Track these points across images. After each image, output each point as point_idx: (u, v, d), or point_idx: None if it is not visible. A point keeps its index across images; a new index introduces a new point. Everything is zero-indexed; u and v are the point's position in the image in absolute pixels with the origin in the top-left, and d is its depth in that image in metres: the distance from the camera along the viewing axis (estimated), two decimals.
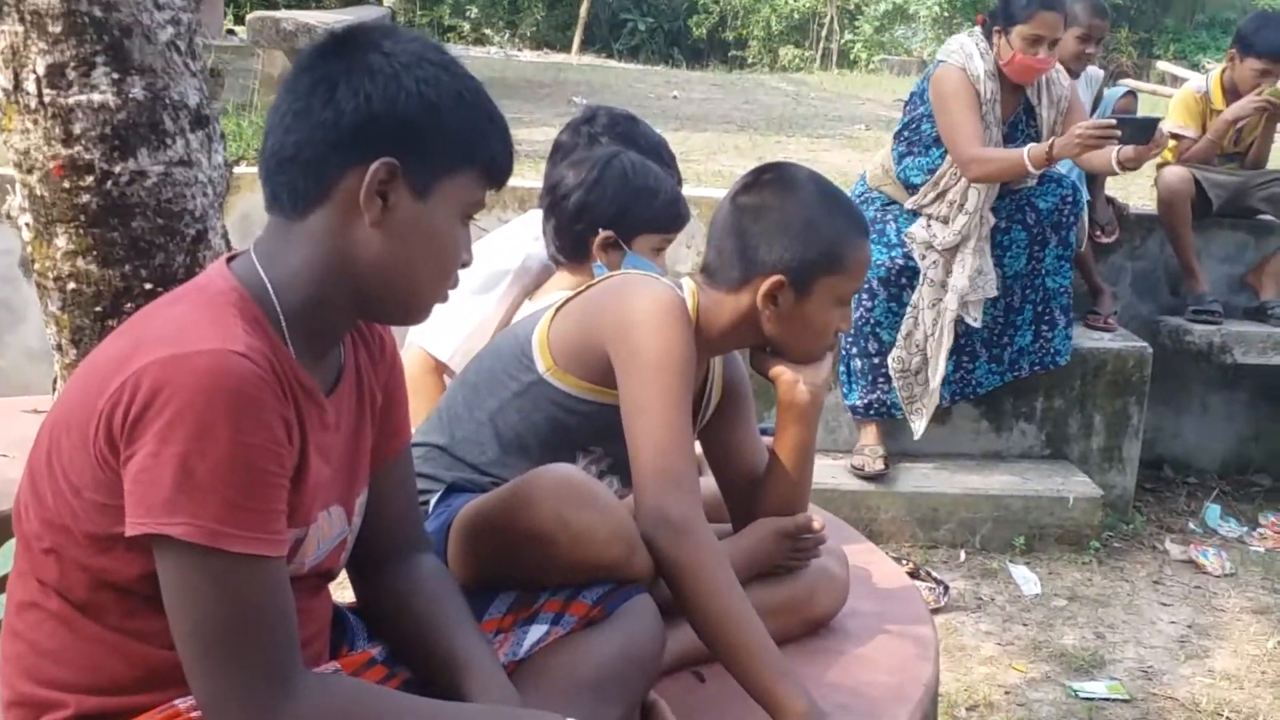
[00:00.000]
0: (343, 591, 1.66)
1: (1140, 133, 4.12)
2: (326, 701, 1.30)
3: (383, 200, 1.34)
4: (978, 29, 4.40)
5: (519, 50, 17.90)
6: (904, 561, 4.07)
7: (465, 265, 1.43)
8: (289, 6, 14.01)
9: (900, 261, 4.37)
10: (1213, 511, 4.87)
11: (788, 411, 1.98)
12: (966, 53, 4.32)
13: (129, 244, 1.92)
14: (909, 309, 4.39)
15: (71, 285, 1.90)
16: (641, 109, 8.77)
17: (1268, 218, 5.13)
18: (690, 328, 1.86)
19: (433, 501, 1.87)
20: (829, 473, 4.41)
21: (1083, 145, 4.06)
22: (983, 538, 4.36)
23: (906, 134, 4.47)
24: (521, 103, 8.19)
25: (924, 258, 4.36)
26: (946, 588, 4.00)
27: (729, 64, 19.02)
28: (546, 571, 1.65)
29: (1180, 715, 3.43)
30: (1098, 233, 4.99)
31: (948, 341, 4.39)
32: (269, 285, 1.35)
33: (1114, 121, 4.10)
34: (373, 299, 1.40)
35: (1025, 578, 4.19)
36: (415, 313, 1.43)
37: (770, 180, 1.93)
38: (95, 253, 1.90)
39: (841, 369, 4.49)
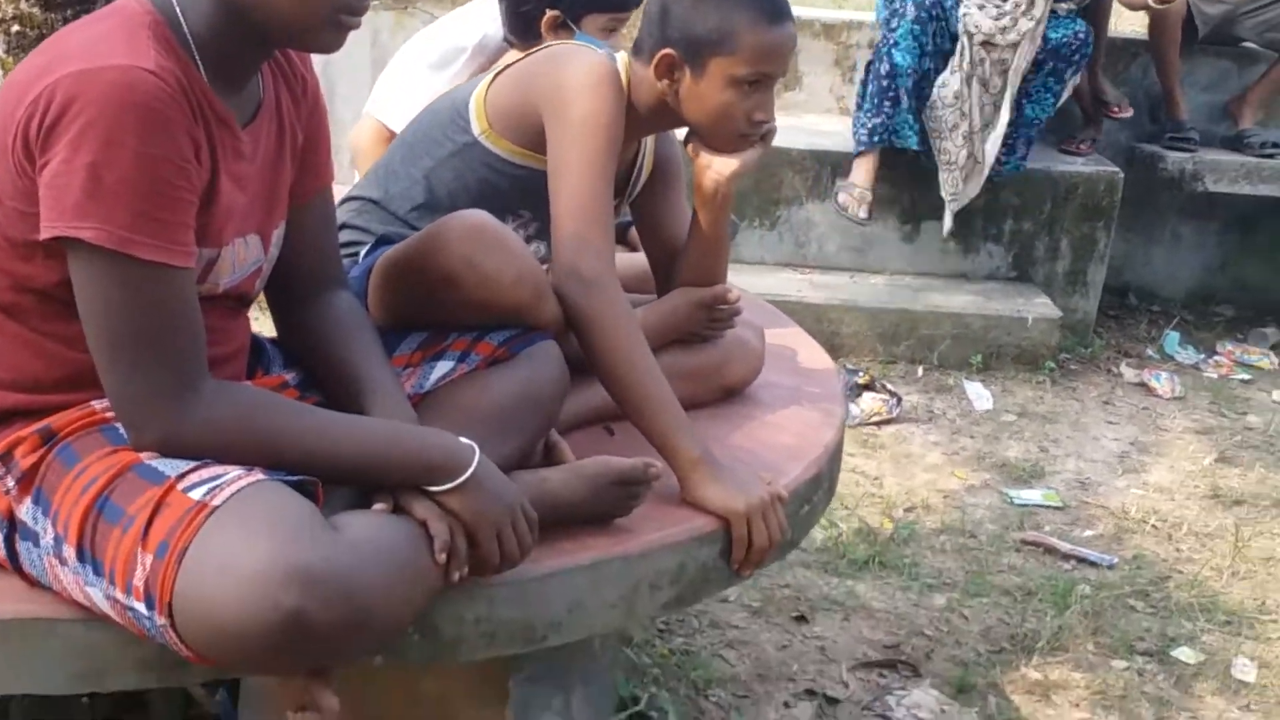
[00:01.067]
0: (267, 328, 1.77)
1: None
2: (231, 406, 1.41)
3: None
4: None
5: None
6: (861, 373, 4.20)
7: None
8: None
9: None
10: (1172, 338, 4.97)
11: (699, 194, 2.04)
12: None
13: None
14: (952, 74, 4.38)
15: (15, 28, 1.97)
16: None
17: (1253, 46, 5.13)
18: (621, 96, 1.91)
19: (362, 252, 1.95)
20: (794, 286, 4.53)
21: None
22: (941, 354, 4.47)
23: None
24: None
25: (971, 36, 4.36)
26: (899, 399, 4.12)
27: None
28: (455, 312, 1.74)
29: (1109, 522, 3.58)
30: (1114, 109, 5.00)
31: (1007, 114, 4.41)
32: (179, 10, 1.42)
33: None
34: (270, 26, 1.44)
35: (978, 394, 4.31)
36: (311, 37, 1.45)
37: None
38: None
39: (857, 96, 4.55)
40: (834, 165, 4.66)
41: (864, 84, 4.54)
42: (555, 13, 2.54)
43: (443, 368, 1.72)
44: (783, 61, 1.93)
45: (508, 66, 2.02)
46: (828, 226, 4.71)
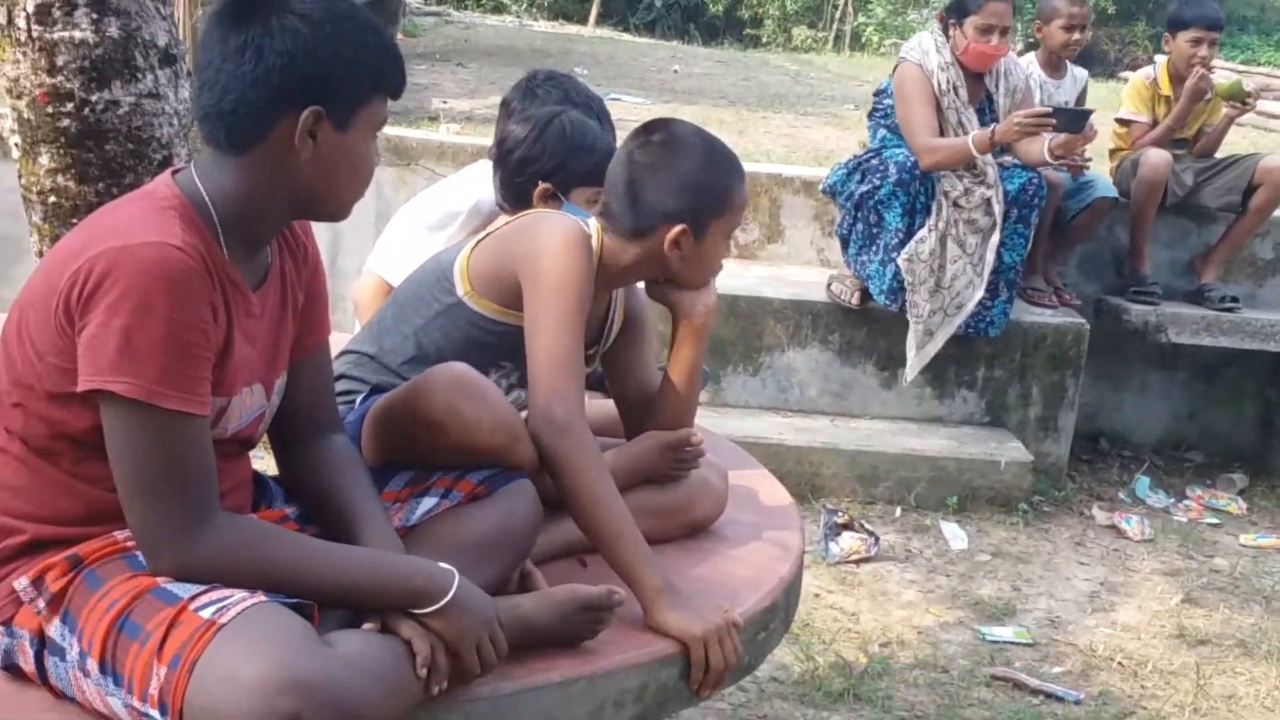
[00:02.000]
0: (268, 469, 1.95)
1: (1073, 122, 4.41)
2: (239, 534, 1.59)
3: (313, 139, 1.63)
4: (937, 24, 4.72)
5: (534, 20, 18.07)
6: (841, 513, 4.28)
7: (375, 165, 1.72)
8: None
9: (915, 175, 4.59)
10: (1142, 483, 5.09)
11: (685, 328, 2.23)
12: (923, 49, 4.68)
13: (103, 164, 2.20)
14: (929, 227, 4.61)
15: (52, 199, 2.19)
16: (640, 81, 9.02)
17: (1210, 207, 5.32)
18: (590, 258, 2.10)
19: (358, 400, 2.13)
20: (776, 429, 4.67)
21: (1021, 131, 4.40)
22: (918, 496, 4.58)
23: (884, 121, 4.80)
24: (524, 69, 8.41)
25: (947, 195, 4.62)
26: (877, 539, 4.22)
27: (743, 42, 19.17)
28: (439, 454, 1.90)
29: (1077, 659, 3.65)
30: (1065, 295, 5.19)
31: (991, 259, 4.63)
32: (207, 198, 1.64)
33: (1049, 110, 4.38)
34: (305, 210, 1.70)
35: (954, 534, 4.40)
36: (340, 214, 1.72)
37: (659, 140, 2.16)
38: (73, 171, 2.18)
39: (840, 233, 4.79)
40: (814, 315, 4.84)
41: (851, 221, 4.75)
42: (547, 185, 2.72)
43: (428, 503, 1.88)
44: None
45: (489, 234, 2.21)
46: (809, 372, 4.87)
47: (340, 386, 2.11)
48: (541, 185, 2.72)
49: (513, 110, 2.97)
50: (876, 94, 4.93)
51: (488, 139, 4.85)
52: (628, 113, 7.12)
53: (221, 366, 1.63)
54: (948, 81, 4.63)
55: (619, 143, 2.30)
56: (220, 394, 1.65)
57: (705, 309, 2.22)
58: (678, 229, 2.11)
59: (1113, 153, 5.35)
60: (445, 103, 7.14)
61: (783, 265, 5.40)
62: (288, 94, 1.59)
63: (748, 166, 5.55)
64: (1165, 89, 5.30)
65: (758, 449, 4.41)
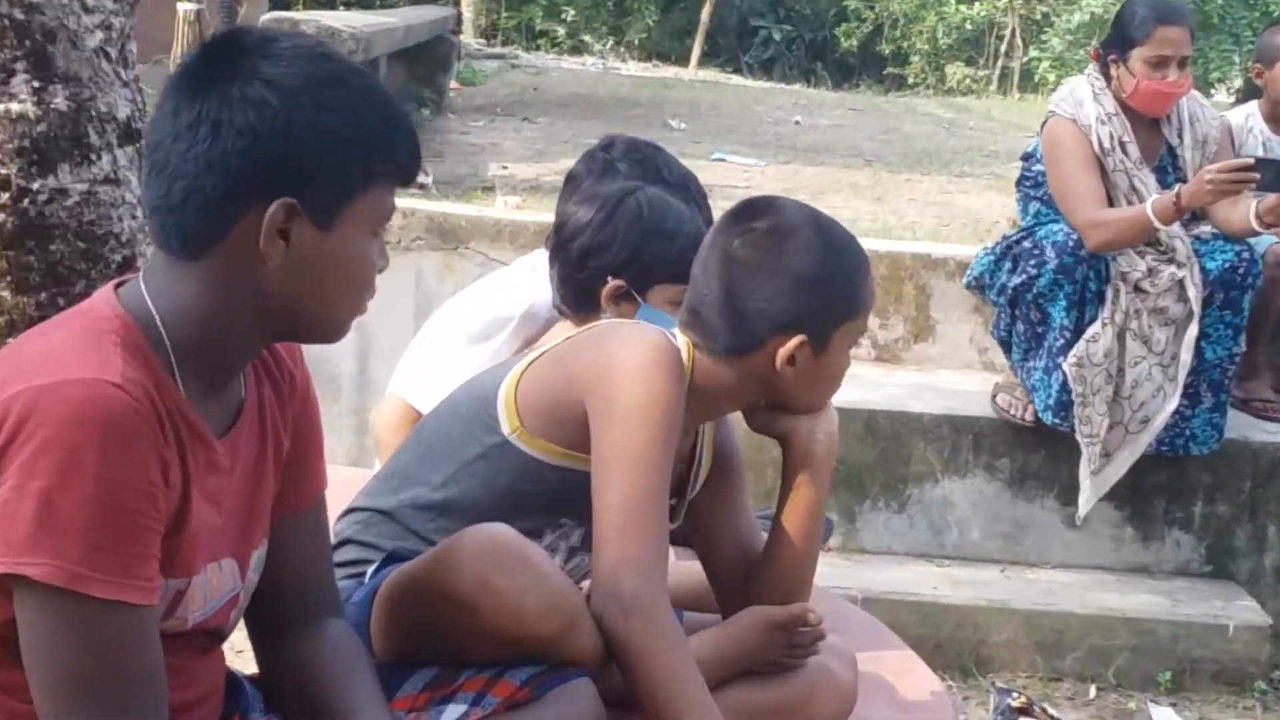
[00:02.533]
0: (248, 660, 1.87)
1: None
2: None
3: (284, 240, 1.56)
4: (1092, 66, 4.64)
5: (623, 61, 18.36)
6: (1016, 695, 4.14)
7: (381, 271, 1.65)
8: (347, 5, 14.63)
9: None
10: None
11: (803, 465, 2.18)
12: (1076, 99, 4.60)
13: (46, 269, 2.16)
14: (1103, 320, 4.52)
15: None
16: (752, 136, 9.06)
17: None
18: (683, 379, 2.05)
19: (369, 572, 2.05)
20: (929, 581, 4.56)
21: (1215, 190, 4.23)
22: (1119, 670, 4.42)
23: (1035, 193, 4.75)
24: (605, 124, 8.50)
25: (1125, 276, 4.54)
26: None
27: (884, 83, 19.28)
28: (470, 645, 1.82)
29: None
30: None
31: (1188, 358, 4.53)
32: (157, 317, 1.57)
33: (1251, 160, 4.26)
34: (281, 330, 1.64)
35: None
36: (331, 336, 1.66)
37: (764, 230, 2.12)
38: (9, 278, 2.14)
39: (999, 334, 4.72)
40: (977, 434, 4.75)
41: (1009, 320, 4.68)
42: (619, 282, 2.68)
43: (453, 713, 1.80)
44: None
45: (544, 351, 2.16)
46: (970, 508, 4.76)
47: (344, 555, 2.07)
48: (611, 282, 2.69)
49: (579, 185, 2.95)
50: (1024, 158, 4.88)
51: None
52: (735, 176, 7.15)
53: (176, 538, 1.55)
54: (1112, 136, 4.53)
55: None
56: (176, 574, 1.57)
57: (828, 439, 2.19)
58: (795, 341, 2.09)
59: None
60: (505, 168, 7.21)
61: (935, 370, 5.32)
62: (250, 182, 1.53)
63: (888, 244, 5.56)
64: None
65: (904, 608, 4.39)
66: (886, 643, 2.64)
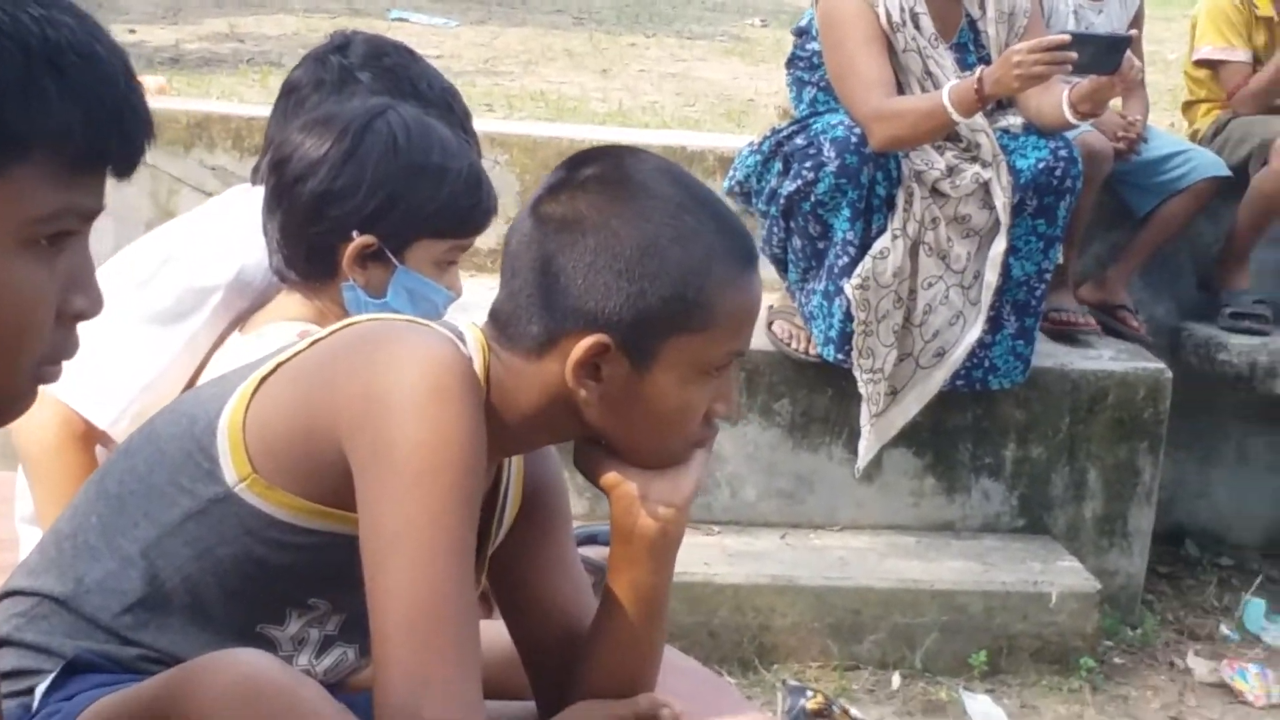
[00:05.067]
0: None
1: (1103, 56, 4.19)
2: None
3: None
4: None
5: None
6: (810, 693, 4.05)
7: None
8: None
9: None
10: (1255, 608, 4.96)
11: (627, 545, 1.91)
12: None
13: None
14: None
15: None
16: None
17: None
18: (479, 408, 1.77)
19: (39, 689, 1.76)
20: (698, 556, 4.40)
21: (1025, 75, 4.15)
22: (926, 653, 4.38)
23: (810, 76, 4.63)
24: None
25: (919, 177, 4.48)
26: None
27: None
28: None
29: None
30: (1132, 323, 5.12)
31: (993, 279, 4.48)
32: None
33: (1066, 38, 4.17)
34: None
35: (987, 714, 4.22)
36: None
37: (593, 179, 1.83)
38: None
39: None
40: (751, 372, 4.59)
41: (783, 234, 4.55)
42: (368, 239, 2.40)
43: None
44: (754, 325, 1.90)
45: (278, 365, 1.84)
46: (744, 462, 4.64)
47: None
48: (357, 239, 2.40)
49: (304, 101, 2.66)
50: (797, 33, 4.74)
51: (220, 101, 4.45)
52: (424, 42, 6.79)
53: None
54: (902, 8, 4.44)
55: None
56: None
57: (671, 512, 1.88)
58: (589, 342, 1.78)
59: (1189, 107, 5.26)
60: (133, 31, 6.71)
61: None
62: None
63: (631, 134, 5.30)
64: (1266, 7, 5.23)
65: (671, 591, 4.16)
66: (727, 703, 2.43)
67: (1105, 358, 4.85)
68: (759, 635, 4.29)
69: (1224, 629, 4.89)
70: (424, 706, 1.63)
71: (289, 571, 1.83)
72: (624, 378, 1.79)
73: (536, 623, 2.03)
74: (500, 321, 1.85)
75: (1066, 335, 4.93)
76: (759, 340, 4.58)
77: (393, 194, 2.40)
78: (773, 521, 4.65)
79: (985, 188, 4.46)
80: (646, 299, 1.77)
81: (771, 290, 4.88)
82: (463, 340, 1.84)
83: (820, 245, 4.48)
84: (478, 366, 1.82)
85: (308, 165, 2.41)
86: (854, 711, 4.02)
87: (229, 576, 1.81)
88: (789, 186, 4.43)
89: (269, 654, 1.62)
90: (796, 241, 4.52)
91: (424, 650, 1.66)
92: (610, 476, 1.87)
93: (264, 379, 1.83)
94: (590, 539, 2.43)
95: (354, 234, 2.41)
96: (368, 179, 2.39)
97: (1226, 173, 5.09)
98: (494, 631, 2.14)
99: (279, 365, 1.84)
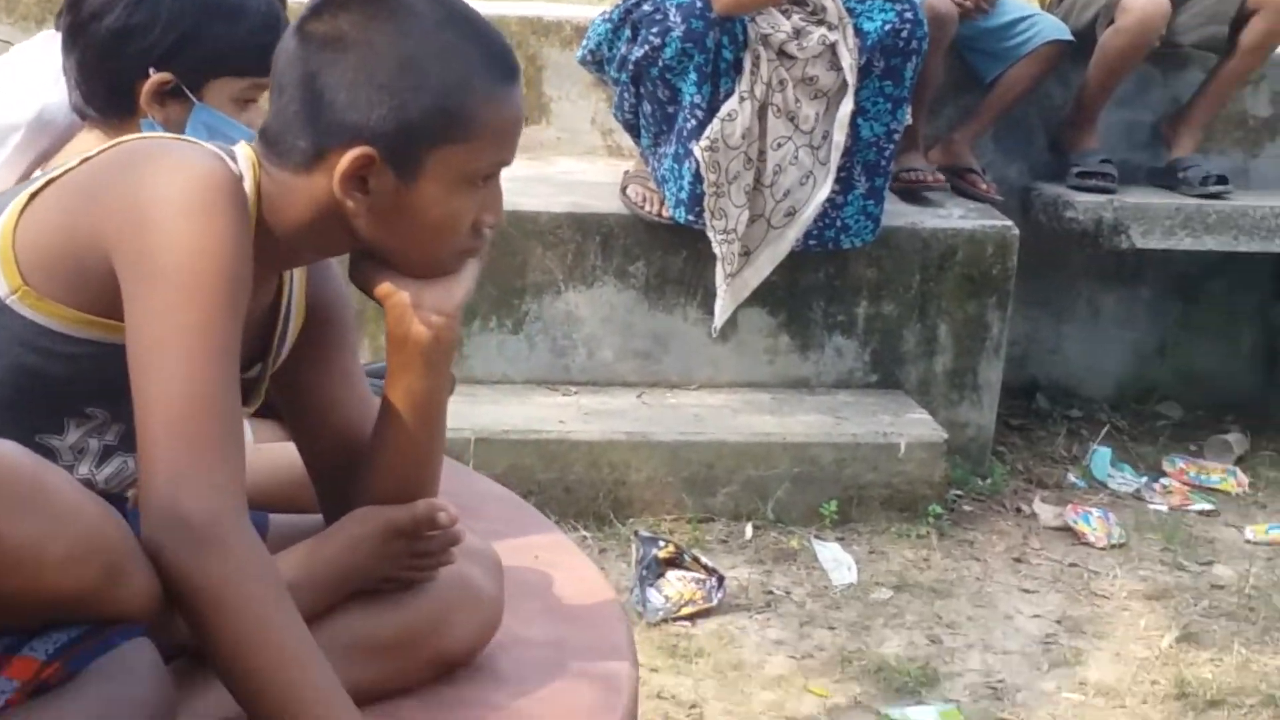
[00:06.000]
0: None
1: None
2: None
3: None
4: None
5: None
6: (662, 544, 4.11)
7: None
8: None
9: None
10: (1101, 457, 5.05)
11: (401, 352, 1.93)
12: None
13: None
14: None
15: None
16: None
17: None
18: (244, 221, 1.78)
19: None
20: (553, 415, 4.46)
21: None
22: (778, 504, 4.42)
23: None
24: None
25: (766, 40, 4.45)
26: (721, 579, 4.06)
27: None
28: None
29: None
30: (980, 184, 5.14)
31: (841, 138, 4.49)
32: None
33: None
34: None
35: (836, 560, 4.27)
36: None
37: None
38: None
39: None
40: (606, 235, 4.62)
41: (634, 100, 4.56)
42: (164, 75, 2.36)
43: None
44: (518, 136, 1.91)
45: (50, 180, 1.84)
46: (600, 324, 4.66)
47: None
48: (154, 76, 2.37)
49: None
50: None
51: None
52: None
53: None
54: None
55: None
56: None
57: (442, 319, 1.91)
58: (354, 154, 1.79)
59: None
60: None
61: (551, 159, 5.18)
62: None
63: (486, 5, 5.27)
64: None
65: (527, 449, 4.31)
66: (530, 525, 2.46)
67: (955, 216, 4.87)
68: (614, 490, 4.32)
69: (1071, 477, 4.99)
70: (183, 499, 1.64)
71: (64, 381, 1.83)
72: (390, 189, 1.80)
73: (321, 436, 2.05)
74: (270, 139, 1.86)
75: (916, 195, 4.95)
76: (613, 205, 4.66)
77: (188, 31, 2.36)
78: (630, 381, 4.67)
79: (832, 50, 4.47)
80: (408, 112, 1.78)
81: (626, 157, 4.94)
82: (233, 158, 1.85)
83: (669, 110, 4.50)
84: (248, 183, 1.83)
85: (103, 2, 2.37)
86: (705, 560, 4.08)
87: (4, 387, 1.81)
88: (637, 53, 4.44)
89: (13, 442, 1.60)
90: (646, 107, 4.53)
91: (185, 448, 1.67)
92: (384, 287, 1.89)
93: (34, 195, 1.83)
94: (381, 374, 2.45)
95: (150, 71, 2.37)
96: (163, 15, 2.36)
97: (1069, 37, 5.10)
98: (286, 452, 2.19)
99: (50, 181, 1.84)
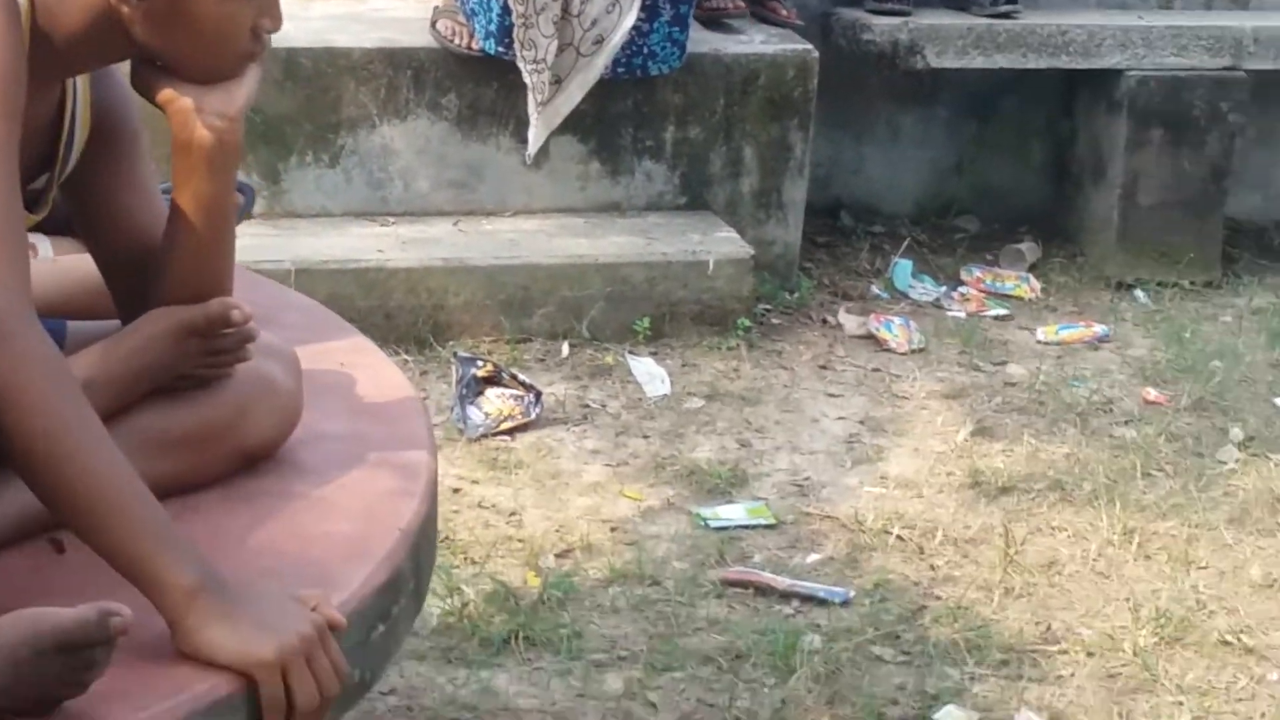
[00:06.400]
0: None
1: None
2: None
3: None
4: None
5: None
6: (481, 363, 4.13)
7: None
8: None
9: None
10: (902, 269, 5.12)
11: (186, 157, 1.89)
12: None
13: None
14: None
15: None
16: None
17: None
18: (14, 26, 1.73)
19: None
20: (372, 245, 4.45)
21: None
22: (592, 322, 4.46)
23: None
24: None
25: None
26: (538, 395, 4.08)
27: None
28: None
29: (840, 538, 3.65)
30: (781, 10, 5.09)
31: None
32: None
33: None
34: None
35: (650, 374, 4.31)
36: None
37: None
38: None
39: None
40: (417, 69, 4.58)
41: None
42: None
43: None
44: None
45: None
46: (414, 155, 4.63)
47: None
48: None
49: None
50: None
51: None
52: None
53: None
54: None
55: None
56: None
57: (224, 121, 1.88)
58: None
59: None
60: None
61: None
62: None
63: None
64: None
65: (346, 278, 4.29)
66: (335, 331, 2.44)
67: (757, 42, 4.86)
68: (433, 315, 4.31)
69: (874, 289, 5.04)
70: None
71: None
72: (169, 2, 1.77)
73: (114, 242, 2.02)
74: None
75: (719, 22, 4.90)
76: (424, 39, 4.61)
77: None
78: (446, 210, 4.65)
79: None
80: None
81: None
82: None
83: None
84: None
85: None
86: (522, 377, 4.10)
87: None
88: None
89: None
90: None
91: None
92: (165, 93, 1.85)
93: None
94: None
95: None
96: None
97: None
98: (83, 263, 2.14)
99: None
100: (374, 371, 2.33)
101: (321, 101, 4.52)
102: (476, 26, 4.50)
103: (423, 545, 1.97)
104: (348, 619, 1.70)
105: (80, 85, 1.96)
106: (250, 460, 2.01)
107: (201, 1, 1.79)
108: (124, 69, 1.95)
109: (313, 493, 1.98)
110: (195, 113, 1.86)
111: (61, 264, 2.20)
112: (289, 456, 2.04)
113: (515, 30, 4.42)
